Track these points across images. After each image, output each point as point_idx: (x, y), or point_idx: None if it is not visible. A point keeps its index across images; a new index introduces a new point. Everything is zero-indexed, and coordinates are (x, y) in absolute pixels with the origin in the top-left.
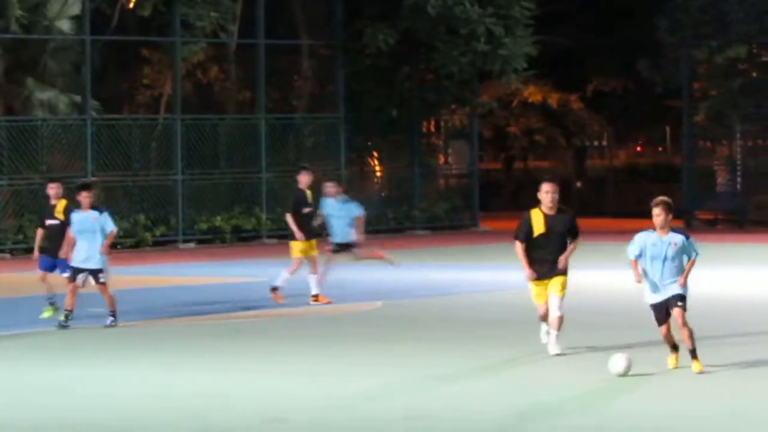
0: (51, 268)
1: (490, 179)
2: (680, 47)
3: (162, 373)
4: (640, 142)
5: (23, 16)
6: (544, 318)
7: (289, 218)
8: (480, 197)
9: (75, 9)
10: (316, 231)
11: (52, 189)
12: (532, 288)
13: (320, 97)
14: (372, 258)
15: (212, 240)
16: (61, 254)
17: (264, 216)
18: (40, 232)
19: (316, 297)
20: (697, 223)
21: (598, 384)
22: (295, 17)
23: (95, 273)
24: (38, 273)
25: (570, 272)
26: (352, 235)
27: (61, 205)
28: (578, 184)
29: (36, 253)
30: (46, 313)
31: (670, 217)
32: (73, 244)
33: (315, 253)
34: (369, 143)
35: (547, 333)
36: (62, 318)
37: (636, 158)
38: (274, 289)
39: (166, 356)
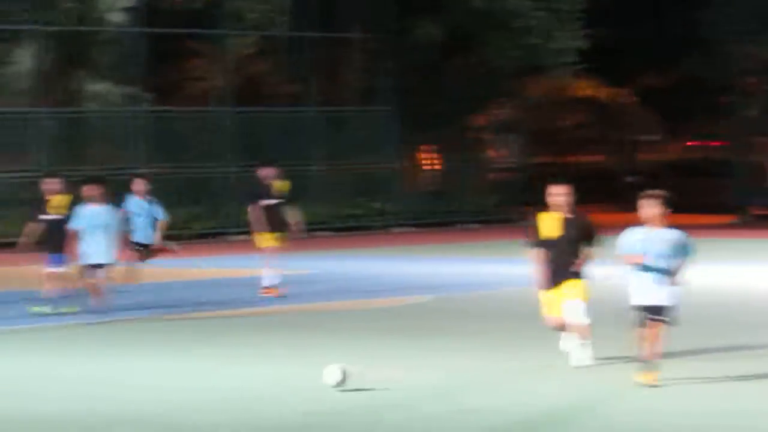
0: (51, 262)
1: (540, 173)
2: (728, 42)
3: (212, 365)
4: (691, 136)
5: (75, 8)
6: (560, 328)
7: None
8: (529, 191)
9: (126, 1)
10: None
11: (50, 184)
12: (542, 297)
13: (370, 91)
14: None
15: None
16: (57, 248)
17: (315, 209)
18: (31, 227)
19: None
20: (750, 218)
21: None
22: (346, 10)
23: (101, 267)
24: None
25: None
26: (154, 237)
27: (60, 200)
28: (629, 179)
29: (23, 247)
30: (37, 309)
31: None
32: (75, 240)
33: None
34: (418, 137)
35: (580, 345)
36: (49, 309)
37: (688, 153)
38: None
39: (215, 348)
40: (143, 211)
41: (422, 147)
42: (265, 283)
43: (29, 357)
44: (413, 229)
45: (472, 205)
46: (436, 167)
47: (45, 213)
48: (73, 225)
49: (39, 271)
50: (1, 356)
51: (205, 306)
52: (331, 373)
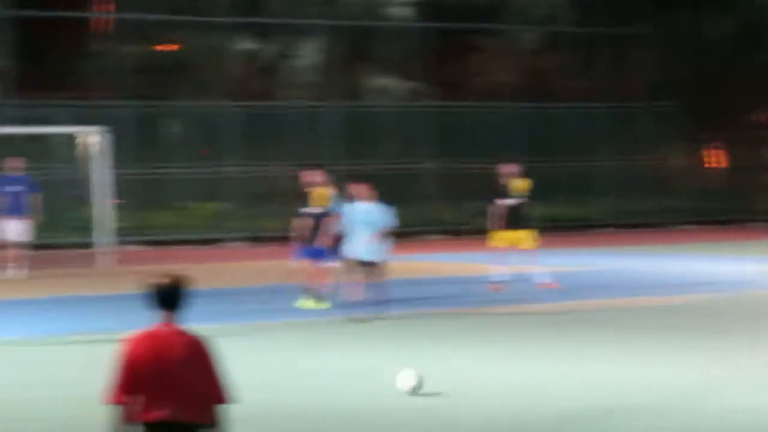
0: (314, 257)
1: None
2: None
3: (490, 362)
4: None
5: (360, 3)
6: None
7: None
8: None
9: None
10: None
11: (311, 176)
12: None
13: (657, 87)
14: None
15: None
16: (320, 242)
17: (600, 204)
18: (298, 221)
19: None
20: None
21: None
22: (633, 5)
23: (369, 264)
24: (296, 262)
25: None
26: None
27: (321, 193)
28: None
29: (294, 242)
30: (308, 303)
31: None
32: (337, 233)
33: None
34: (703, 134)
35: None
36: (313, 303)
37: None
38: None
39: (489, 345)
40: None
41: (707, 144)
42: (494, 279)
43: (311, 349)
44: (695, 226)
45: (761, 203)
46: (721, 164)
47: (307, 206)
48: (342, 221)
49: (302, 265)
50: (274, 349)
51: (460, 302)
52: (405, 379)
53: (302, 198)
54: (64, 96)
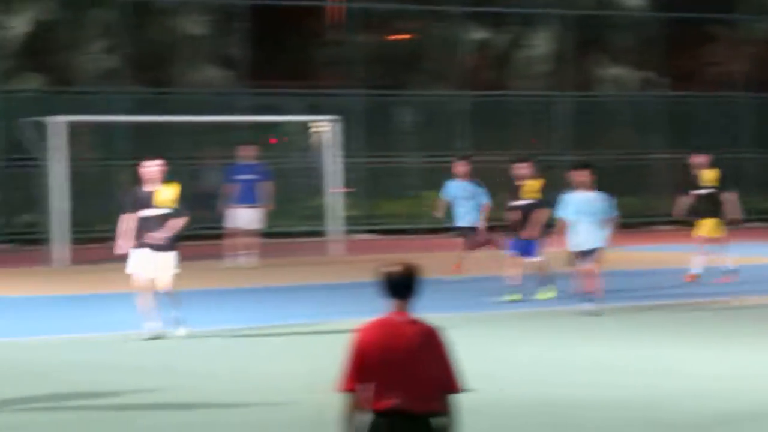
0: (520, 249)
1: None
2: None
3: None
4: None
5: None
6: None
7: None
8: None
9: None
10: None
11: (521, 168)
12: None
13: None
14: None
15: None
16: (527, 235)
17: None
18: (513, 215)
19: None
20: None
21: None
22: None
23: (590, 253)
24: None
25: None
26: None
27: (533, 185)
28: None
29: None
30: (546, 294)
31: None
32: (564, 227)
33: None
34: None
35: None
36: (520, 296)
37: None
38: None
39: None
40: (467, 194)
41: None
42: (694, 271)
43: (536, 341)
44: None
45: None
46: None
47: (518, 198)
48: (561, 212)
49: (505, 257)
50: (495, 339)
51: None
52: None
53: (514, 190)
54: (296, 85)
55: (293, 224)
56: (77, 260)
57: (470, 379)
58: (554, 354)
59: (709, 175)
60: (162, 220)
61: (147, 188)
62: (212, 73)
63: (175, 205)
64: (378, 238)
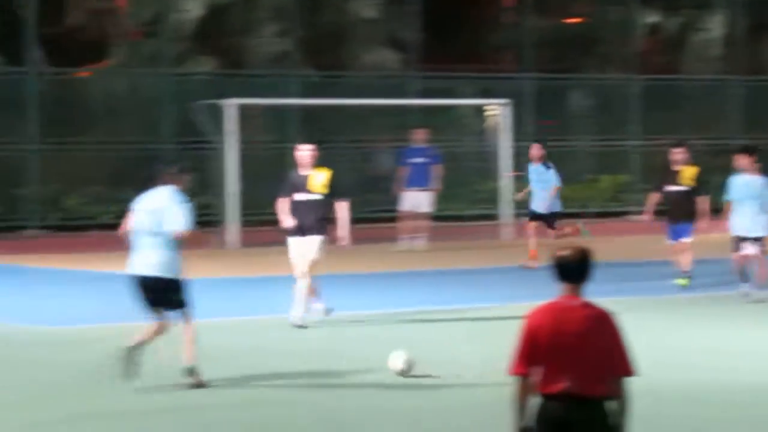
0: (677, 235)
1: None
2: None
3: None
4: None
5: None
6: None
7: None
8: None
9: None
10: None
11: (677, 154)
12: None
13: None
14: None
15: None
16: (683, 220)
17: None
18: (654, 197)
19: None
20: None
21: None
22: None
23: (755, 240)
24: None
25: None
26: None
27: (689, 171)
28: None
29: (647, 217)
30: (680, 281)
31: None
32: (728, 211)
33: None
34: None
35: None
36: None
37: None
38: None
39: None
40: (540, 177)
41: None
42: None
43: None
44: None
45: None
46: None
47: (673, 184)
48: (726, 195)
49: (667, 244)
50: (663, 324)
51: None
52: (396, 360)
53: (672, 175)
54: (468, 68)
55: (464, 208)
56: (248, 242)
57: (642, 363)
58: (726, 340)
59: None
60: (314, 205)
61: (301, 172)
62: (384, 57)
63: (326, 191)
64: None
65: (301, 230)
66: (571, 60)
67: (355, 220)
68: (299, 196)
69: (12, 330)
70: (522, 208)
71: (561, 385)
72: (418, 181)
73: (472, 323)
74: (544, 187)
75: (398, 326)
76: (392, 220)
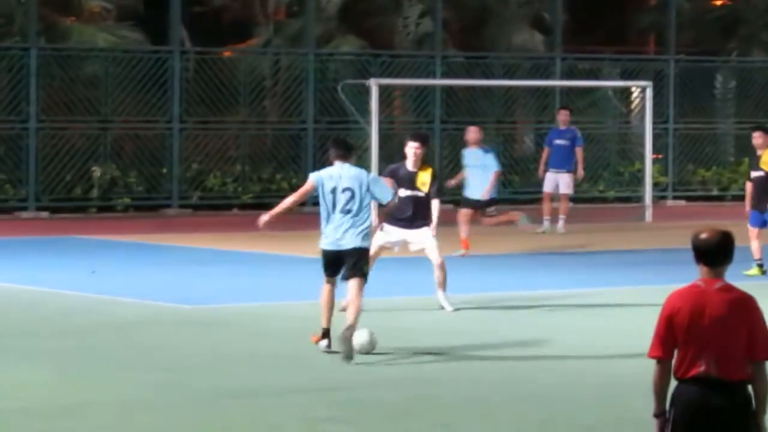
0: (762, 224)
1: None
2: None
3: None
4: None
5: None
6: None
7: None
8: None
9: None
10: None
11: (758, 138)
12: None
13: None
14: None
15: None
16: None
17: None
18: (748, 186)
19: None
20: None
21: None
22: None
23: None
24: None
25: None
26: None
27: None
28: None
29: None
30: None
31: None
32: None
33: None
34: None
35: None
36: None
37: None
38: None
39: None
40: (477, 162)
41: None
42: None
43: None
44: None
45: None
46: None
47: (755, 169)
48: None
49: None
50: None
51: None
52: (359, 337)
53: (754, 160)
54: (611, 50)
55: (606, 190)
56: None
57: None
58: None
59: None
60: (418, 202)
61: (409, 168)
62: (527, 38)
63: (427, 189)
64: (689, 205)
65: (407, 221)
66: (715, 42)
67: (499, 201)
68: (405, 192)
69: (159, 309)
70: (665, 190)
71: (699, 369)
72: (560, 162)
73: (611, 305)
74: (482, 173)
75: (536, 310)
76: (535, 201)
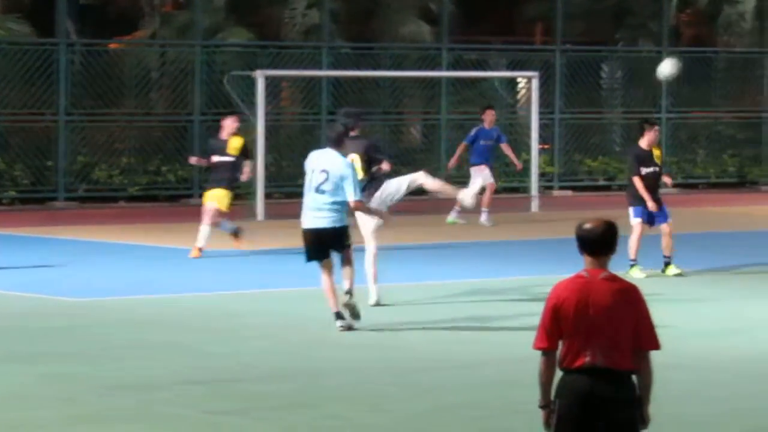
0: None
1: None
2: None
3: None
4: None
5: None
6: None
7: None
8: None
9: None
10: None
11: (656, 133)
12: None
13: None
14: None
15: None
16: None
17: None
18: (639, 181)
19: None
20: None
21: None
22: None
23: None
24: None
25: None
26: None
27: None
28: None
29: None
30: None
31: None
32: None
33: None
34: None
35: None
36: None
37: None
38: None
39: None
40: None
41: None
42: None
43: None
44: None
45: None
46: None
47: (651, 165)
48: None
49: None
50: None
51: None
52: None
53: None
54: (499, 40)
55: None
56: (273, 215)
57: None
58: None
59: None
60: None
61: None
62: (415, 28)
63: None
64: (576, 195)
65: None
66: (603, 32)
67: None
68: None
69: (45, 302)
70: (552, 180)
71: (585, 359)
72: (486, 159)
73: (486, 295)
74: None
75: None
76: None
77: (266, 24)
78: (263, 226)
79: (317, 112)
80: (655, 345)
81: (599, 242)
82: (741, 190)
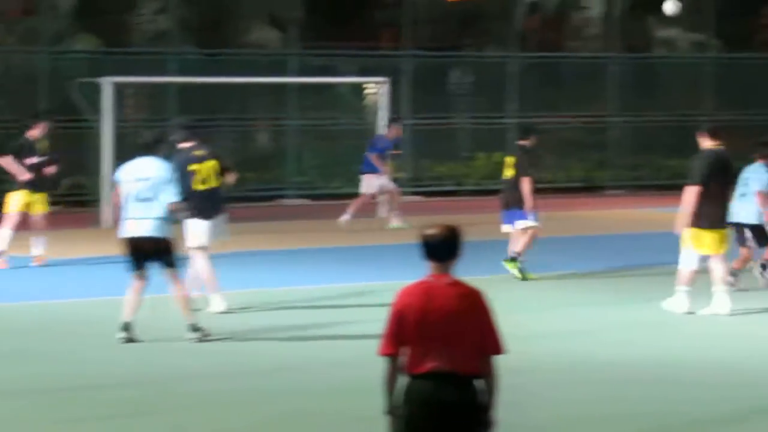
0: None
1: None
2: None
3: None
4: None
5: None
6: None
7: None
8: None
9: None
10: None
11: None
12: None
13: None
14: None
15: None
16: None
17: None
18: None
19: None
20: None
21: None
22: None
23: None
24: None
25: None
26: None
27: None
28: None
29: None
30: None
31: None
32: None
33: None
34: None
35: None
36: None
37: None
38: None
39: None
40: None
41: None
42: None
43: None
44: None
45: None
46: None
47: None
48: None
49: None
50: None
51: None
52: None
53: None
54: (349, 46)
55: (342, 186)
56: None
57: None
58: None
59: None
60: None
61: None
62: (266, 35)
63: None
64: (426, 200)
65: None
66: (452, 37)
67: (236, 199)
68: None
69: None
70: (402, 186)
71: (430, 365)
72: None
73: (337, 301)
74: None
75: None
76: (270, 199)
77: (114, 30)
78: (107, 234)
79: (165, 119)
80: (499, 349)
81: (442, 248)
82: (587, 195)
